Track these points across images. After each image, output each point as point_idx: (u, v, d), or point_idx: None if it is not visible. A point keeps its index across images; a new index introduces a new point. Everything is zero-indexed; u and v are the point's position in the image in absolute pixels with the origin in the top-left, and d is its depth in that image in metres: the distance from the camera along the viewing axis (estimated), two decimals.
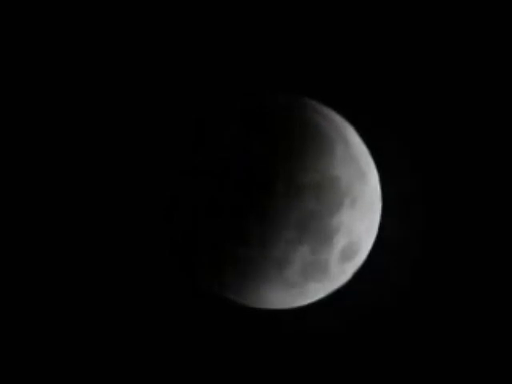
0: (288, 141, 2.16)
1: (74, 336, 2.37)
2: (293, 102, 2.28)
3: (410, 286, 2.43)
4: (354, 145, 2.26)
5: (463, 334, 2.37)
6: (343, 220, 2.16)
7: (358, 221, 2.20)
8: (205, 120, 2.26)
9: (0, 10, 2.38)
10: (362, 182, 2.23)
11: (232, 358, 2.40)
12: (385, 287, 2.43)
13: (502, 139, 2.36)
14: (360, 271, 2.31)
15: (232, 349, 2.40)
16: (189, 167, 2.20)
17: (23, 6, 2.37)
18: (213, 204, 2.13)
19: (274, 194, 2.10)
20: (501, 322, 2.32)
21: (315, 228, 2.13)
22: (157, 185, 2.29)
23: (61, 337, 2.36)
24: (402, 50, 2.46)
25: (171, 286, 2.36)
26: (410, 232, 2.44)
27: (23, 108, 2.39)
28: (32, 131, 2.38)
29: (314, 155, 2.15)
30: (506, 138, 2.37)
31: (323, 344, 2.42)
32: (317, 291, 2.25)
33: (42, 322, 2.36)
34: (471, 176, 2.38)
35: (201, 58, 2.44)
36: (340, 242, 2.17)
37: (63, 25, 2.40)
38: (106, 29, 2.41)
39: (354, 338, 2.43)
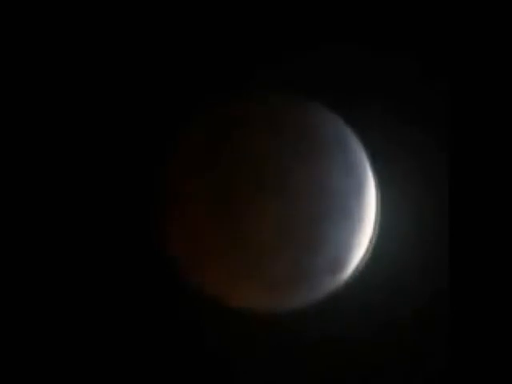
0: (282, 143, 2.16)
1: (70, 336, 2.36)
2: (289, 101, 2.27)
3: (399, 300, 2.41)
4: (352, 149, 2.25)
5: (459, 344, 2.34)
6: (334, 229, 2.15)
7: (349, 231, 2.19)
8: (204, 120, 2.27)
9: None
10: (358, 191, 2.22)
11: (230, 358, 2.40)
12: (372, 302, 2.41)
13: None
14: (348, 284, 2.30)
15: (229, 349, 2.39)
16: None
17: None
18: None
19: (264, 197, 2.11)
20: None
21: (304, 235, 2.13)
22: (157, 184, 2.29)
23: (57, 336, 2.36)
24: (401, 47, 2.44)
25: (171, 285, 2.36)
26: (403, 245, 2.41)
27: (19, 108, 2.39)
28: (28, 130, 2.38)
29: (307, 158, 2.15)
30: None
31: (306, 352, 2.41)
32: (300, 300, 2.25)
33: (38, 319, 2.36)
34: (474, 189, 2.33)
35: (200, 59, 2.43)
36: (329, 253, 2.17)
37: (60, 23, 2.40)
38: (104, 30, 2.41)
39: (335, 351, 2.42)
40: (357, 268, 2.27)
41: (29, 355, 2.35)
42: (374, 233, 2.29)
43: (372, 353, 2.41)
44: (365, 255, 2.28)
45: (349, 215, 2.18)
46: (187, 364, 2.38)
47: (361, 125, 2.34)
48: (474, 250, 2.25)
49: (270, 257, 2.13)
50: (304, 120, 2.22)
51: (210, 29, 2.41)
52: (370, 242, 2.28)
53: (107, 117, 2.39)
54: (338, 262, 2.20)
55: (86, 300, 2.36)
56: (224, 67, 2.40)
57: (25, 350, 2.35)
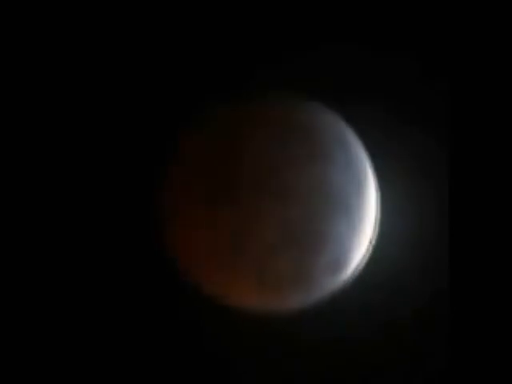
0: (282, 143, 2.15)
1: (71, 335, 2.36)
2: (289, 101, 2.27)
3: (399, 300, 2.40)
4: (353, 149, 2.24)
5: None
6: (334, 229, 2.15)
7: (349, 231, 2.19)
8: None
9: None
10: (358, 191, 2.21)
11: (229, 357, 2.40)
12: (372, 302, 2.40)
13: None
14: (348, 284, 2.29)
15: (228, 349, 2.39)
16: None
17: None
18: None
19: (263, 197, 2.11)
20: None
21: (304, 235, 2.12)
22: (157, 185, 2.29)
23: (57, 335, 2.36)
24: (398, 45, 2.44)
25: (171, 285, 2.35)
26: (403, 245, 2.40)
27: (20, 108, 2.39)
28: (29, 131, 2.38)
29: (308, 158, 2.15)
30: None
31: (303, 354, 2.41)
32: (300, 300, 2.25)
33: (39, 319, 2.36)
34: (474, 189, 2.32)
35: (200, 59, 2.43)
36: (329, 253, 2.16)
37: (60, 23, 2.40)
38: (104, 31, 2.41)
39: (330, 355, 2.41)
40: (357, 268, 2.27)
41: (29, 355, 2.35)
42: (374, 233, 2.28)
43: (372, 353, 2.40)
44: (365, 255, 2.28)
45: (349, 215, 2.18)
46: (187, 364, 2.38)
47: (361, 125, 2.34)
48: (473, 250, 2.24)
49: (269, 257, 2.13)
50: (304, 120, 2.22)
51: (210, 29, 2.41)
52: (370, 242, 2.28)
53: (108, 117, 2.39)
54: (338, 262, 2.20)
55: (86, 300, 2.36)
56: (224, 67, 2.40)
57: (25, 349, 2.35)
